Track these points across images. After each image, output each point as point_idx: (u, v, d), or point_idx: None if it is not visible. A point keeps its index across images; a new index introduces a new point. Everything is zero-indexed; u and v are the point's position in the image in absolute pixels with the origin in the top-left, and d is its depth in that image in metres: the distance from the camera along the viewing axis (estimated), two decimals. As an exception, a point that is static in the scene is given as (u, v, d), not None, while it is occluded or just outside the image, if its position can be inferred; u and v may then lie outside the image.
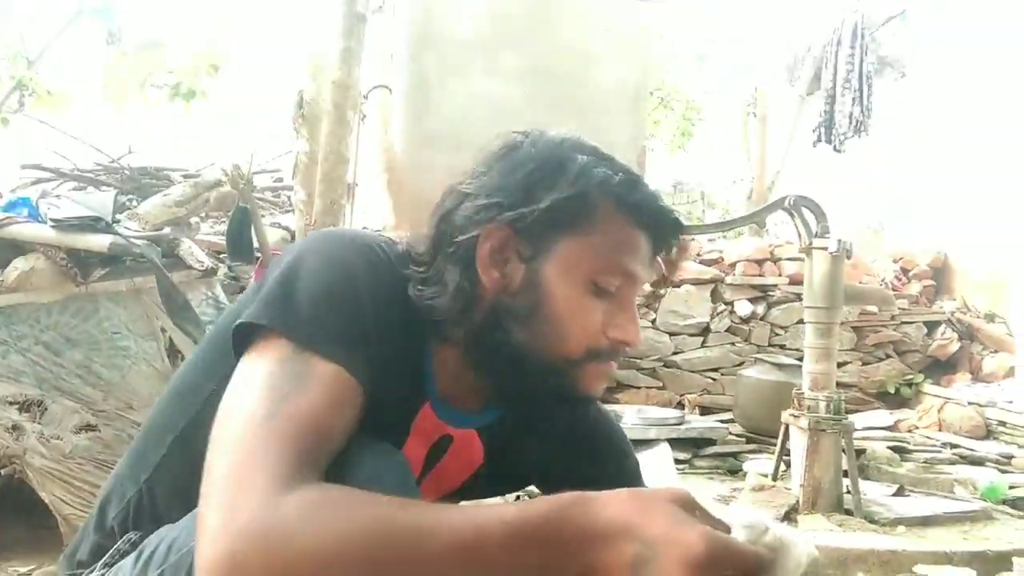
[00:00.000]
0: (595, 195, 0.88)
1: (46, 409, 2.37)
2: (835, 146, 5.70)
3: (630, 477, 1.11)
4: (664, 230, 0.93)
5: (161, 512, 0.92)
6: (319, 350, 0.79)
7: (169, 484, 0.93)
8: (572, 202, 0.87)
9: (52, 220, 2.44)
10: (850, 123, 5.57)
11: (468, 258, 0.89)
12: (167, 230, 2.69)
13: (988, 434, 4.09)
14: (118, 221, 2.58)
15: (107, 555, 0.92)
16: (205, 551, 0.66)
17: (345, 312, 0.82)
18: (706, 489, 2.97)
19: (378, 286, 0.86)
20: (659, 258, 0.95)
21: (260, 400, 0.75)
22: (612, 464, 1.11)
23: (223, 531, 0.66)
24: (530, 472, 1.11)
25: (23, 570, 2.31)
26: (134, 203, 2.84)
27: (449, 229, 0.90)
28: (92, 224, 2.44)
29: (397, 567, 0.66)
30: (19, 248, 2.42)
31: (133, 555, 0.88)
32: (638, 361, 4.32)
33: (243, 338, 0.82)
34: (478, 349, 0.91)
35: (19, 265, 2.38)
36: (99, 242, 2.41)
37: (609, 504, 0.65)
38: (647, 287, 0.97)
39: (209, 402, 0.84)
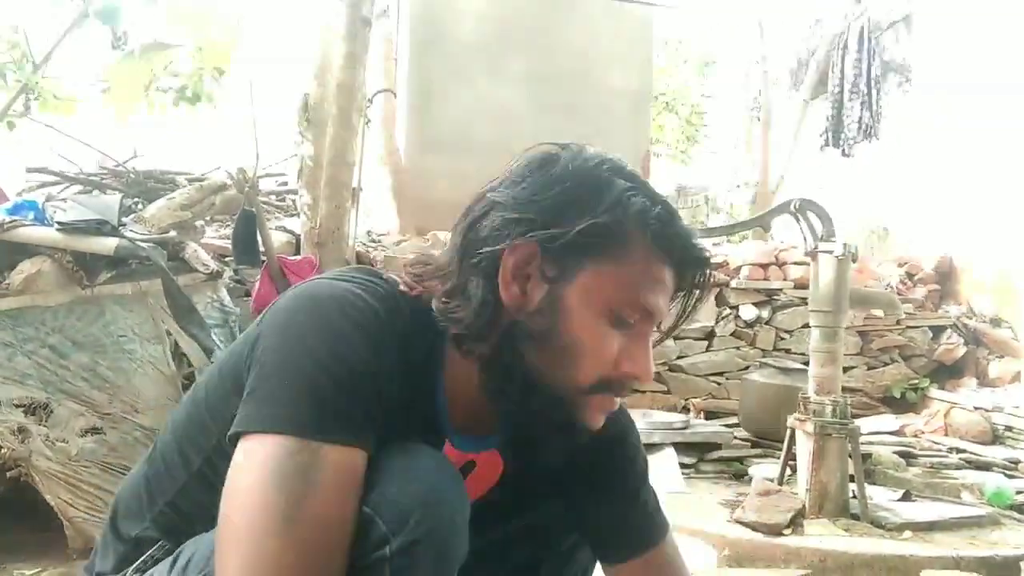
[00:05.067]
0: (629, 224, 0.85)
1: (52, 412, 2.37)
2: (843, 150, 5.69)
3: (637, 480, 1.10)
4: (691, 268, 0.91)
5: (191, 523, 0.91)
6: (323, 437, 0.76)
7: (192, 504, 0.93)
8: (605, 229, 0.84)
9: (58, 223, 2.45)
10: (859, 128, 5.56)
11: (492, 271, 0.86)
12: (173, 233, 2.70)
13: (995, 439, 4.07)
14: (124, 224, 2.58)
15: (139, 561, 0.92)
16: None
17: (343, 386, 0.78)
18: (712, 494, 2.97)
19: (369, 343, 0.81)
20: (679, 295, 0.92)
21: (274, 500, 0.73)
22: (619, 473, 1.09)
23: None
24: (548, 482, 1.06)
25: (29, 573, 2.31)
26: (140, 206, 2.85)
27: (476, 238, 0.87)
28: (98, 227, 2.45)
29: None
30: (25, 251, 2.43)
31: (168, 561, 0.88)
32: (643, 365, 4.30)
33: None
34: (492, 369, 0.88)
35: (25, 268, 2.39)
36: (105, 245, 2.42)
37: None
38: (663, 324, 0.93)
39: (219, 447, 0.86)
